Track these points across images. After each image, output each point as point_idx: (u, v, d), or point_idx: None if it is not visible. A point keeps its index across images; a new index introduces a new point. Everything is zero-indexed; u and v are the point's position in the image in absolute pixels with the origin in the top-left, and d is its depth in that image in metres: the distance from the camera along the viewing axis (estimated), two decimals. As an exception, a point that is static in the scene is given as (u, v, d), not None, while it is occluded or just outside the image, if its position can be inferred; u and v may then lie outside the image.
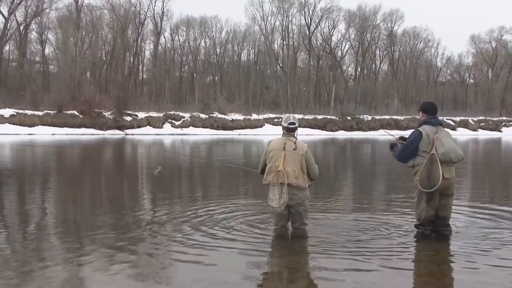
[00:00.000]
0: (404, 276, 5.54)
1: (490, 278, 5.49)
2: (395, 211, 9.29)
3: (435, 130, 7.05)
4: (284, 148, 6.99)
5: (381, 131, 56.71)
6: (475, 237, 7.18)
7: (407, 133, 7.82)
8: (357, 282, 5.30)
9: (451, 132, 7.76)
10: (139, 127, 51.16)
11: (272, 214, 7.26)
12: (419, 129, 7.17)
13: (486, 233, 7.41)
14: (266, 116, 60.08)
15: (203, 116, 55.84)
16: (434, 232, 7.10)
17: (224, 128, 55.22)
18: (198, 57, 79.62)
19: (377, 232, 7.47)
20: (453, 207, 7.37)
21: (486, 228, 7.80)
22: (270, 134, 48.04)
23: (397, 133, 7.97)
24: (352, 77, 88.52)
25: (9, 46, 68.04)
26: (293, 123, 7.20)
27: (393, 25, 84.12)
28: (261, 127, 57.45)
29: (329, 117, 63.88)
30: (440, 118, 7.43)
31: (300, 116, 55.81)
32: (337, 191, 12.51)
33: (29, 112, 46.73)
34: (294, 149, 6.99)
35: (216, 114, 56.54)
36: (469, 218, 8.50)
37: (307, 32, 79.19)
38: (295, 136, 7.20)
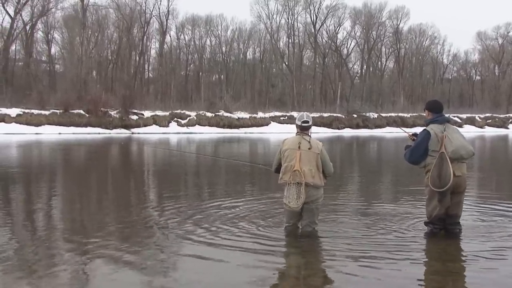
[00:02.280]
0: (411, 273, 5.51)
1: (499, 277, 5.46)
2: (403, 207, 9.26)
3: (442, 128, 6.98)
4: (299, 147, 6.95)
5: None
6: (485, 235, 7.13)
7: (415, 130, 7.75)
8: (364, 278, 5.30)
9: (459, 129, 7.67)
10: (145, 126, 51.28)
11: (284, 211, 7.24)
12: (427, 128, 7.08)
13: (496, 231, 7.37)
14: (272, 114, 60.07)
15: (209, 114, 55.88)
16: (443, 230, 7.06)
17: (230, 127, 55.26)
18: (204, 56, 79.65)
19: (385, 229, 7.46)
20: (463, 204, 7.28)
21: (496, 226, 7.74)
22: (276, 132, 48.09)
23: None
24: (358, 75, 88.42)
25: (16, 46, 68.30)
26: (307, 122, 7.16)
27: (398, 22, 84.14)
28: (267, 125, 57.45)
29: (335, 115, 63.83)
30: (447, 115, 7.36)
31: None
32: (344, 189, 12.47)
33: (35, 111, 46.92)
34: (309, 148, 6.95)
35: (222, 113, 56.59)
36: (479, 216, 8.45)
37: (313, 30, 79.17)
38: (309, 134, 7.19)
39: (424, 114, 7.50)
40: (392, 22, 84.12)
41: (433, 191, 6.91)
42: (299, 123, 7.18)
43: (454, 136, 6.92)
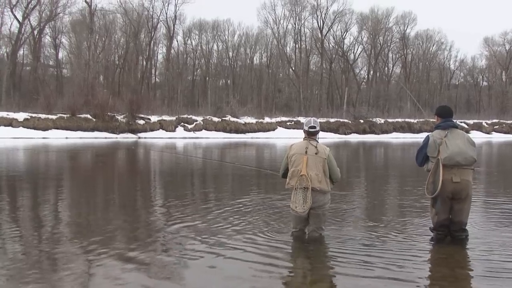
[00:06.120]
0: (416, 279, 5.50)
1: (505, 284, 5.44)
2: (410, 213, 9.25)
3: (444, 134, 6.98)
4: (306, 152, 6.97)
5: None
6: (492, 242, 7.11)
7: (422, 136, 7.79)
8: (370, 285, 5.29)
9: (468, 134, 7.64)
10: (151, 130, 51.34)
11: (291, 216, 7.25)
12: (428, 134, 7.20)
13: (504, 238, 7.35)
14: (278, 119, 60.05)
15: (215, 119, 55.93)
16: (450, 236, 7.04)
17: (236, 132, 55.27)
18: (211, 61, 79.86)
19: (391, 234, 7.46)
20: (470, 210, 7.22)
21: (504, 233, 7.73)
22: (283, 137, 48.07)
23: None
24: (364, 80, 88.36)
25: (23, 51, 68.77)
26: (314, 127, 7.18)
27: (405, 28, 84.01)
28: (273, 130, 57.41)
29: (341, 120, 63.74)
30: (454, 121, 7.35)
31: (313, 119, 55.80)
32: (351, 193, 12.44)
33: (42, 116, 47.08)
34: (316, 153, 6.97)
35: (228, 118, 56.62)
36: (487, 223, 8.43)
37: (320, 35, 79.14)
38: (316, 139, 7.20)
39: (432, 120, 7.56)
40: (399, 27, 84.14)
41: (434, 198, 6.93)
42: (306, 128, 7.19)
43: (452, 142, 6.89)
